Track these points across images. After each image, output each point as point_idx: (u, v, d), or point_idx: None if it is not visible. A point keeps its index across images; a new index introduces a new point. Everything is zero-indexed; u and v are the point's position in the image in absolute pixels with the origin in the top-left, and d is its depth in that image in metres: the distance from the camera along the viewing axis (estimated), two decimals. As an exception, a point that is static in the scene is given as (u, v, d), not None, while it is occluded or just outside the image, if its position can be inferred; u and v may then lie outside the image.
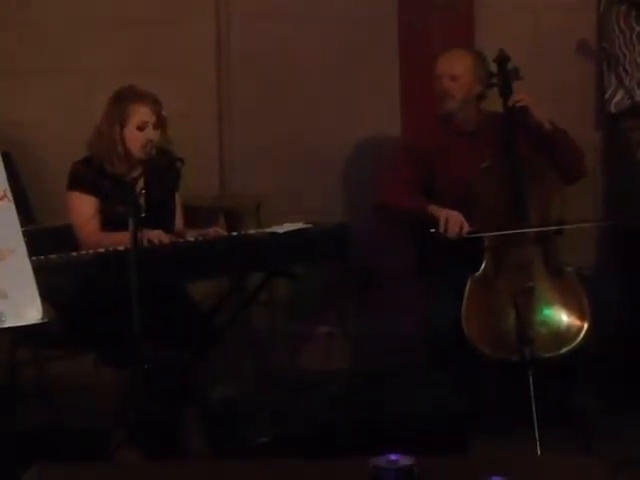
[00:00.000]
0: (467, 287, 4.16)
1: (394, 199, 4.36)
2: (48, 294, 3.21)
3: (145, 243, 3.78)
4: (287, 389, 4.18)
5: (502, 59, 4.40)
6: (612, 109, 4.98)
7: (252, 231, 4.21)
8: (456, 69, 4.41)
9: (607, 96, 4.98)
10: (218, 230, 4.14)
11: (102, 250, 3.80)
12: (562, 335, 4.08)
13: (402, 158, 4.56)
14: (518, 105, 4.33)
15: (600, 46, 5.00)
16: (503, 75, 4.39)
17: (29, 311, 3.13)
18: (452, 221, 4.20)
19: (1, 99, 5.21)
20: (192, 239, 4.03)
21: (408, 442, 3.63)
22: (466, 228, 4.21)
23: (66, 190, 4.09)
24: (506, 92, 4.38)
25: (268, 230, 4.09)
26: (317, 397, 3.86)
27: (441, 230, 4.19)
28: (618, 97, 4.97)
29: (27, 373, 4.16)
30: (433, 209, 4.26)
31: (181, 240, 4.02)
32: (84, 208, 4.04)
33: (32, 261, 3.19)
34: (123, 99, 4.07)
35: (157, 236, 3.90)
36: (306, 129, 5.13)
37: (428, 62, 5.01)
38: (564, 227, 4.26)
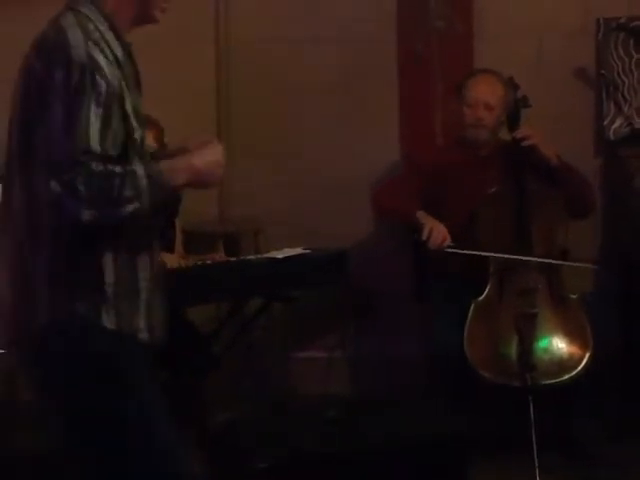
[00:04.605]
0: (470, 311, 4.17)
1: (388, 197, 4.41)
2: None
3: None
4: (286, 413, 4.16)
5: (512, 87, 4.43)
6: (611, 136, 4.99)
7: (251, 256, 4.21)
8: (492, 99, 4.41)
9: (606, 123, 4.98)
10: (221, 256, 4.12)
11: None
12: (564, 363, 4.09)
13: (407, 170, 4.60)
14: (525, 144, 4.33)
15: (599, 73, 5.01)
16: (513, 104, 4.41)
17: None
18: (436, 232, 4.19)
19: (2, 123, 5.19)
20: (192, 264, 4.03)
21: (408, 467, 3.65)
22: (448, 242, 4.20)
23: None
24: (515, 120, 4.39)
25: (267, 255, 4.09)
26: (316, 421, 3.85)
27: (424, 238, 4.19)
28: (617, 124, 4.98)
29: (27, 398, 4.14)
30: (421, 216, 4.27)
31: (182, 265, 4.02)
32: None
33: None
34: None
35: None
36: (305, 153, 5.12)
37: (428, 86, 5.02)
38: (551, 262, 4.23)
